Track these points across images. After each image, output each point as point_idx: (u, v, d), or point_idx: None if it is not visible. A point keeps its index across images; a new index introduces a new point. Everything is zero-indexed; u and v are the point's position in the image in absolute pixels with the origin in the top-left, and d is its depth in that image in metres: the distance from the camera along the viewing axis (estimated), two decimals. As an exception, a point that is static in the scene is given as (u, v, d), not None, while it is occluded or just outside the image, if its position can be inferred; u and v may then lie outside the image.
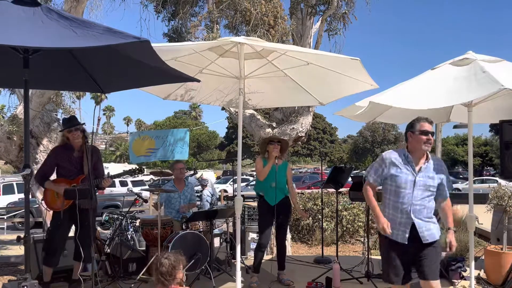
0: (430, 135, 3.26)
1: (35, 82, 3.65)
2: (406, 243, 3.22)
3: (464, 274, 5.06)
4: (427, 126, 3.28)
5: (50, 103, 5.96)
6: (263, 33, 5.95)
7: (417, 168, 3.26)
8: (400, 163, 3.27)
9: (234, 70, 4.37)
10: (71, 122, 4.34)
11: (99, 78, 3.84)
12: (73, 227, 4.41)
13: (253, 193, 8.22)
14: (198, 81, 3.62)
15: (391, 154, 3.34)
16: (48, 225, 4.90)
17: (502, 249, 5.17)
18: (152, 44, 2.78)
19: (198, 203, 5.99)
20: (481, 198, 5.24)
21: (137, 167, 4.81)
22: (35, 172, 4.47)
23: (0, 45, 2.48)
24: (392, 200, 3.29)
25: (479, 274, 5.22)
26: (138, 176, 4.57)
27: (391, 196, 3.29)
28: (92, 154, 4.39)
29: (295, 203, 5.04)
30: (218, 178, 31.95)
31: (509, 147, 4.36)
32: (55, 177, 4.45)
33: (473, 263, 4.21)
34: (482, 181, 27.96)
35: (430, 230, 3.24)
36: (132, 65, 3.29)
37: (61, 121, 5.64)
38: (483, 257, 5.48)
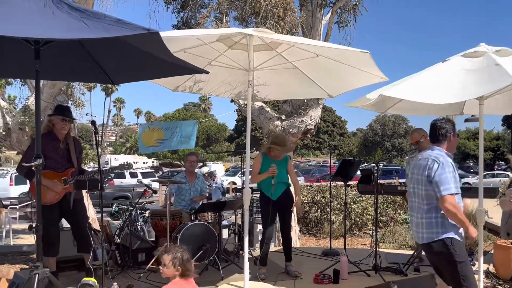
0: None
1: (46, 73, 3.69)
2: None
3: (473, 268, 5.04)
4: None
5: (61, 95, 6.01)
6: (273, 25, 5.92)
7: None
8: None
9: (243, 62, 4.38)
10: (67, 113, 4.33)
11: (109, 70, 3.87)
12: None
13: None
14: (207, 72, 3.62)
15: (447, 157, 3.18)
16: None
17: (511, 243, 5.13)
18: (161, 33, 2.79)
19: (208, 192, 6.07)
20: (491, 192, 5.20)
21: (128, 162, 4.81)
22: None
23: (12, 37, 2.51)
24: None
25: (488, 268, 5.18)
26: (129, 170, 4.66)
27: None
28: (76, 146, 4.41)
29: (296, 193, 5.01)
30: (227, 170, 32.08)
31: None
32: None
33: (482, 258, 4.19)
34: (493, 175, 27.64)
35: None
36: (142, 56, 3.31)
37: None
38: (492, 252, 5.45)
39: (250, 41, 4.03)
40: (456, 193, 3.08)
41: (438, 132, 3.25)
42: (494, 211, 6.40)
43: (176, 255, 2.90)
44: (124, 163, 4.64)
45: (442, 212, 3.12)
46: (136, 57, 3.44)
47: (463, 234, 3.21)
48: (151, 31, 2.66)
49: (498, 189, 5.55)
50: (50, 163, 4.21)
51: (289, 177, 5.00)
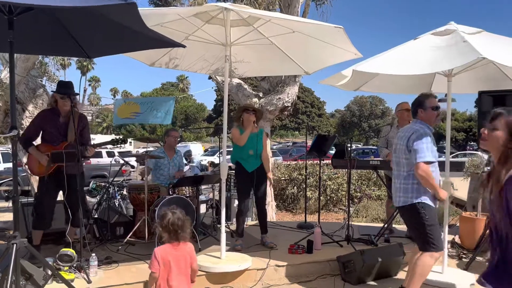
0: (439, 109, 3.50)
1: (20, 46, 3.63)
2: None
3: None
4: (436, 102, 3.52)
5: (35, 69, 5.91)
6: (250, 1, 5.93)
7: None
8: (432, 137, 3.44)
9: (220, 37, 4.40)
10: (68, 89, 4.31)
11: (84, 43, 3.83)
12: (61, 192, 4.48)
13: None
14: (184, 46, 3.64)
15: (425, 128, 3.43)
16: (36, 190, 4.95)
17: (476, 215, 5.41)
18: (138, 9, 2.79)
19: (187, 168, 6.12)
20: (457, 166, 5.43)
21: (121, 137, 4.82)
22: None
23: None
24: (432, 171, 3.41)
25: (453, 239, 5.46)
26: (122, 146, 4.61)
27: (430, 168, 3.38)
28: (79, 121, 4.40)
29: (266, 169, 5.14)
30: (205, 151, 32.05)
31: (486, 117, 4.52)
32: (39, 142, 4.44)
33: (446, 227, 4.43)
34: (465, 155, 28.53)
35: None
36: (118, 29, 3.29)
37: (45, 85, 5.53)
38: (458, 224, 5.73)
39: (227, 15, 4.06)
40: (431, 162, 3.33)
41: (413, 108, 3.59)
42: (460, 187, 6.68)
43: (163, 220, 2.92)
44: (116, 137, 4.60)
45: (417, 179, 3.38)
46: (112, 30, 3.42)
47: (437, 203, 3.49)
48: (128, 2, 2.67)
49: (465, 163, 5.79)
50: (48, 137, 4.34)
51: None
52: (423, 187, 3.38)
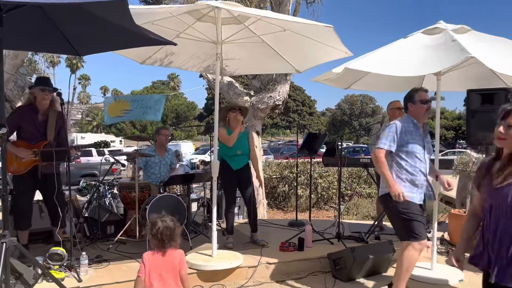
0: (429, 103, 3.54)
1: (9, 42, 3.60)
2: (422, 203, 3.51)
3: (429, 235, 5.35)
4: (426, 95, 3.55)
5: (24, 67, 5.85)
6: (241, 0, 5.92)
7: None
8: (412, 130, 3.49)
9: (211, 34, 4.39)
10: (46, 83, 4.28)
11: (75, 40, 3.81)
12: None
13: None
14: (175, 44, 3.63)
15: (403, 123, 3.50)
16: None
17: (465, 212, 5.47)
18: (129, 7, 2.78)
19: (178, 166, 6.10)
20: (446, 164, 5.49)
21: (103, 140, 4.78)
22: None
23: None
24: (409, 165, 3.46)
25: (443, 235, 5.52)
26: (106, 147, 4.53)
27: (408, 160, 3.46)
28: (57, 119, 4.36)
29: (256, 169, 5.16)
30: (196, 149, 32.00)
31: (474, 115, 4.58)
32: (15, 139, 4.31)
33: (436, 224, 4.48)
34: (454, 153, 28.83)
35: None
36: (108, 27, 3.27)
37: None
38: (447, 221, 5.79)
39: (218, 13, 4.05)
40: (387, 150, 3.42)
41: (404, 103, 3.66)
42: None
43: (153, 228, 2.90)
44: (98, 141, 4.56)
45: (395, 170, 3.47)
46: (103, 27, 3.39)
47: (420, 197, 3.50)
48: (118, -1, 2.65)
49: (453, 161, 5.86)
50: (26, 135, 4.23)
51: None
52: (402, 180, 3.45)
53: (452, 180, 6.07)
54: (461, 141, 50.65)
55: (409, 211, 3.39)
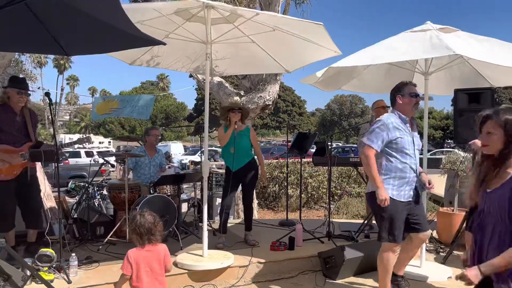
0: (418, 97, 3.45)
1: (-4, 43, 3.57)
2: (412, 199, 3.45)
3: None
4: (415, 89, 3.46)
5: (11, 66, 5.78)
6: (231, 0, 5.93)
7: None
8: (400, 126, 3.39)
9: (201, 34, 4.39)
10: (23, 85, 4.18)
11: (63, 40, 3.76)
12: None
13: (221, 163, 8.29)
14: (164, 44, 3.61)
15: (391, 118, 3.39)
16: None
17: (453, 210, 5.54)
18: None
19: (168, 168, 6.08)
20: (434, 162, 5.55)
21: (86, 136, 4.72)
22: None
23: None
24: (399, 162, 3.38)
25: (431, 234, 5.58)
26: (87, 144, 4.48)
27: (398, 157, 3.37)
28: (32, 118, 4.29)
29: (262, 168, 5.18)
30: (186, 150, 31.93)
31: (462, 114, 4.65)
32: None
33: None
34: (442, 153, 29.18)
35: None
36: (98, 27, 3.25)
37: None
38: (435, 220, 5.86)
39: (208, 13, 4.06)
40: (369, 146, 3.33)
41: (391, 96, 3.54)
42: (437, 183, 6.81)
43: (132, 223, 2.89)
44: (82, 136, 4.52)
45: (384, 167, 3.40)
46: (92, 27, 3.37)
47: (409, 194, 3.43)
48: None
49: (441, 159, 5.93)
50: (7, 137, 4.10)
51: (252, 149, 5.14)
52: (391, 178, 3.37)
53: (440, 179, 6.15)
54: (449, 141, 51.27)
55: (392, 212, 3.35)
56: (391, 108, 3.63)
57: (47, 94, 4.00)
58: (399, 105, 3.46)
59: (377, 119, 3.51)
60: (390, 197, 3.34)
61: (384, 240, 3.43)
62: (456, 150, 6.40)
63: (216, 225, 5.69)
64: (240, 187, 5.15)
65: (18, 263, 3.32)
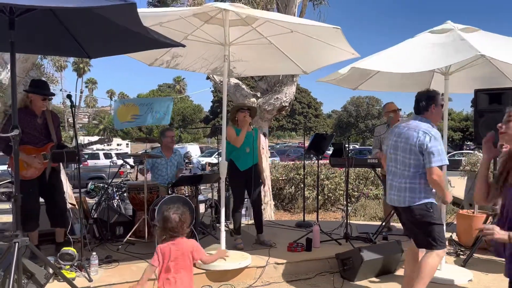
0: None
1: (21, 46, 3.65)
2: None
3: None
4: (442, 99, 3.46)
5: (34, 70, 5.92)
6: (248, 1, 5.96)
7: None
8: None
9: (219, 36, 4.43)
10: (46, 90, 4.27)
11: (85, 43, 3.85)
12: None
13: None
14: (184, 46, 3.66)
15: (434, 129, 3.31)
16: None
17: (473, 213, 5.46)
18: (138, 10, 2.82)
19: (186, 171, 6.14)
20: (454, 164, 5.48)
21: (106, 136, 4.81)
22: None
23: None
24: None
25: (451, 236, 5.50)
26: (109, 144, 4.59)
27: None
28: (54, 119, 4.38)
29: (260, 170, 5.18)
30: (202, 151, 32.07)
31: (482, 115, 4.58)
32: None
33: (444, 225, 4.46)
34: (462, 155, 28.74)
35: None
36: (118, 30, 3.32)
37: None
38: (455, 222, 5.78)
39: (225, 15, 4.09)
40: (444, 164, 3.27)
41: (420, 104, 3.40)
42: (457, 185, 6.73)
43: (161, 222, 2.96)
44: (102, 137, 4.63)
45: (424, 179, 3.29)
46: (113, 30, 3.43)
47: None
48: (128, 2, 2.69)
49: (461, 161, 5.85)
50: (28, 138, 4.17)
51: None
52: (429, 186, 3.31)
53: (460, 180, 6.09)
54: (469, 143, 50.37)
55: (441, 220, 3.42)
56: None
57: (69, 96, 4.08)
58: (431, 114, 3.39)
59: (433, 134, 3.27)
60: (435, 204, 3.36)
61: (439, 248, 3.36)
62: (476, 152, 6.31)
63: (232, 226, 5.72)
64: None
65: (41, 261, 3.39)
